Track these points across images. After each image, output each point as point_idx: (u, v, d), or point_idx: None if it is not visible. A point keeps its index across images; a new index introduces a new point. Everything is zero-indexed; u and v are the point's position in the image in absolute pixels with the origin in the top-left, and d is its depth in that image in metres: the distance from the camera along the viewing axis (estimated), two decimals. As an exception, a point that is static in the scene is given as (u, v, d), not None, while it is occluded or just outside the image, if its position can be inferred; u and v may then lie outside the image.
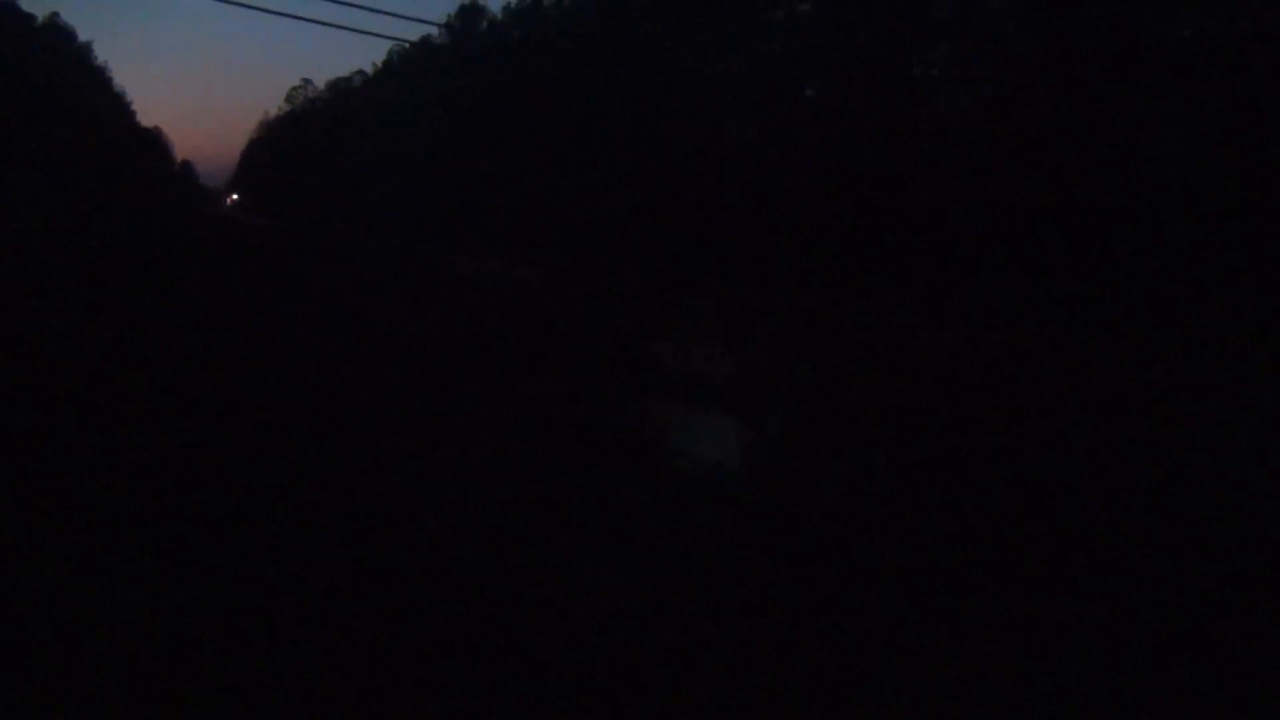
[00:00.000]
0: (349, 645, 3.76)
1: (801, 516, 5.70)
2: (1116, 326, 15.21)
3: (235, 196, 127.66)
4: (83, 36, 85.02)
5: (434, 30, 54.72)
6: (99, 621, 3.83)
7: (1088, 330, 15.24)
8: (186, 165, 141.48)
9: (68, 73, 59.85)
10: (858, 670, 3.73)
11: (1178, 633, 4.19)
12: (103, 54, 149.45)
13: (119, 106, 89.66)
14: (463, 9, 50.90)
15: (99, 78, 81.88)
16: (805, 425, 8.93)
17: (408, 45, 63.05)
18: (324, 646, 3.74)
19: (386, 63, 69.72)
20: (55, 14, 74.83)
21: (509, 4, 46.72)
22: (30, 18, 59.76)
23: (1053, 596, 4.53)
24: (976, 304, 17.33)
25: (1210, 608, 4.54)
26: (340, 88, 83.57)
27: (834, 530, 5.48)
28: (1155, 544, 5.49)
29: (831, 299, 19.80)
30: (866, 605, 4.36)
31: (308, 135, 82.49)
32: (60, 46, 65.97)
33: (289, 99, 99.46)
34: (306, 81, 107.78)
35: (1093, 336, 14.91)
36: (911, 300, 18.53)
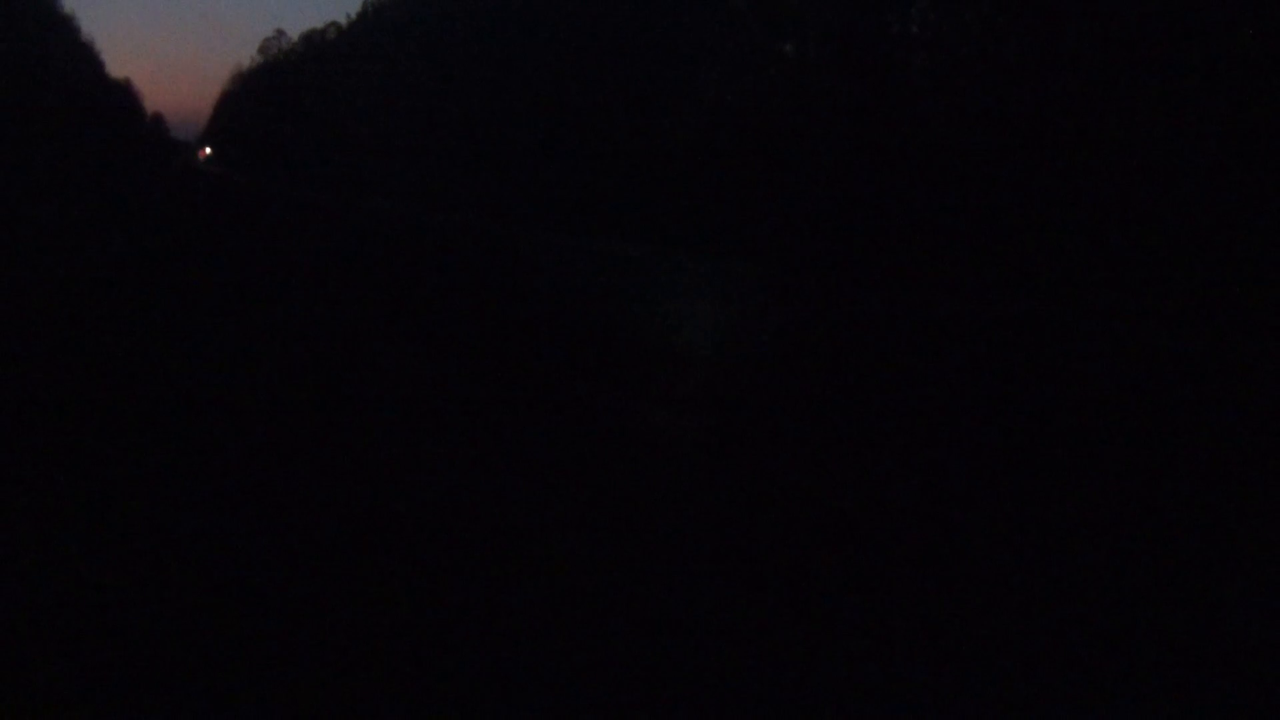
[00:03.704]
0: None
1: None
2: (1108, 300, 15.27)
3: (209, 150, 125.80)
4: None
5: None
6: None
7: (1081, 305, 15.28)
8: (158, 118, 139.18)
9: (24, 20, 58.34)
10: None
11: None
12: (70, 3, 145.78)
13: (87, 57, 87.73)
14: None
15: (66, 28, 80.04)
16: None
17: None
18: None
19: (361, 14, 68.51)
20: (18, -38, 72.69)
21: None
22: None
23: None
24: (961, 279, 17.33)
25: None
26: (314, 40, 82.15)
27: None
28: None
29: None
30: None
31: (283, 88, 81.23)
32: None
33: (262, 50, 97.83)
34: (280, 33, 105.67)
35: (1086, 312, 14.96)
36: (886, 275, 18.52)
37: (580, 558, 4.34)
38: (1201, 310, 14.06)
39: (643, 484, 5.52)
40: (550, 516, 4.81)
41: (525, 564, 4.19)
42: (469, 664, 3.33)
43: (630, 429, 6.91)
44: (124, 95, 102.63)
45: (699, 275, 19.44)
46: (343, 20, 75.96)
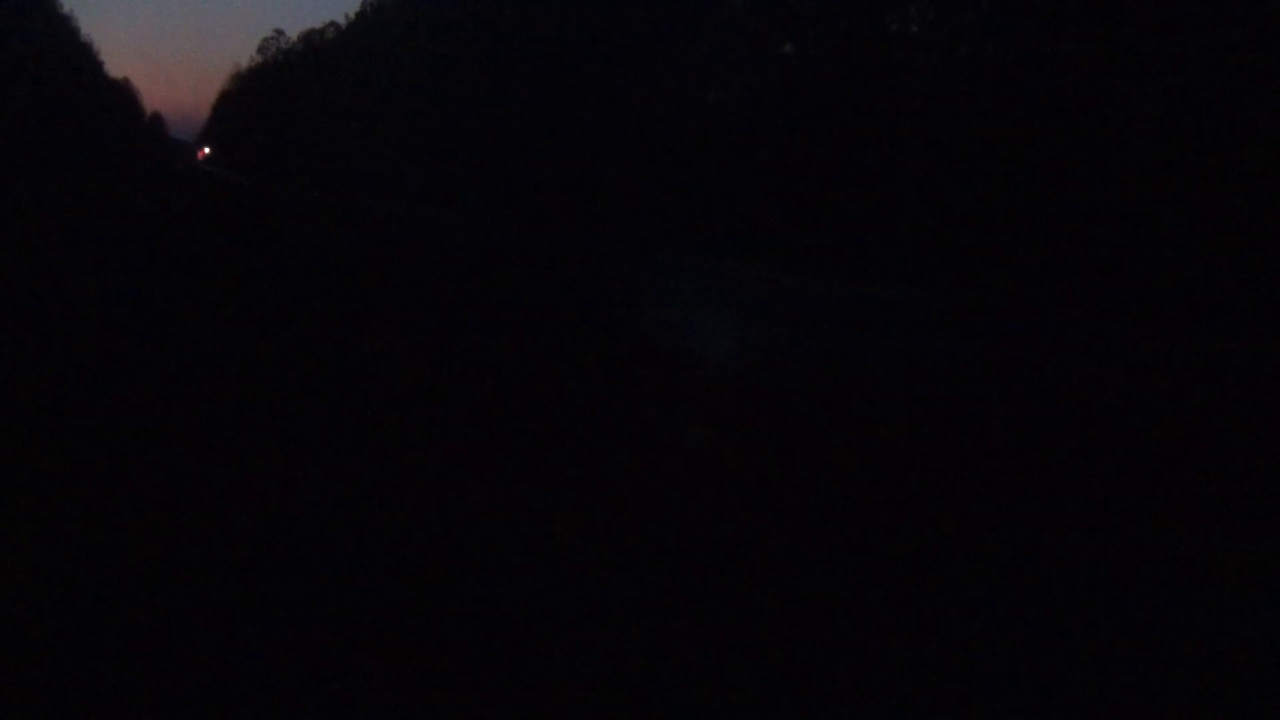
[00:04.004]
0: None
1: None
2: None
3: (207, 150, 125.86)
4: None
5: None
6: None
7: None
8: (156, 117, 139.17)
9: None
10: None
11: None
12: (70, 3, 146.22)
13: (86, 57, 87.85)
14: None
15: (64, 27, 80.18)
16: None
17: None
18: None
19: (360, 14, 68.53)
20: (17, -38, 72.65)
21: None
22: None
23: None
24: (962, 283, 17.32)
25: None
26: (313, 40, 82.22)
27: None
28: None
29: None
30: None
31: (282, 88, 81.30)
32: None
33: (261, 50, 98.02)
34: (279, 32, 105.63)
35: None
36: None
37: (607, 584, 4.29)
38: (1207, 310, 14.06)
39: (676, 520, 5.00)
40: (575, 547, 4.75)
41: (545, 587, 4.16)
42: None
43: (661, 450, 6.31)
44: (123, 95, 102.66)
45: (710, 276, 19.36)
46: (342, 20, 76.05)
